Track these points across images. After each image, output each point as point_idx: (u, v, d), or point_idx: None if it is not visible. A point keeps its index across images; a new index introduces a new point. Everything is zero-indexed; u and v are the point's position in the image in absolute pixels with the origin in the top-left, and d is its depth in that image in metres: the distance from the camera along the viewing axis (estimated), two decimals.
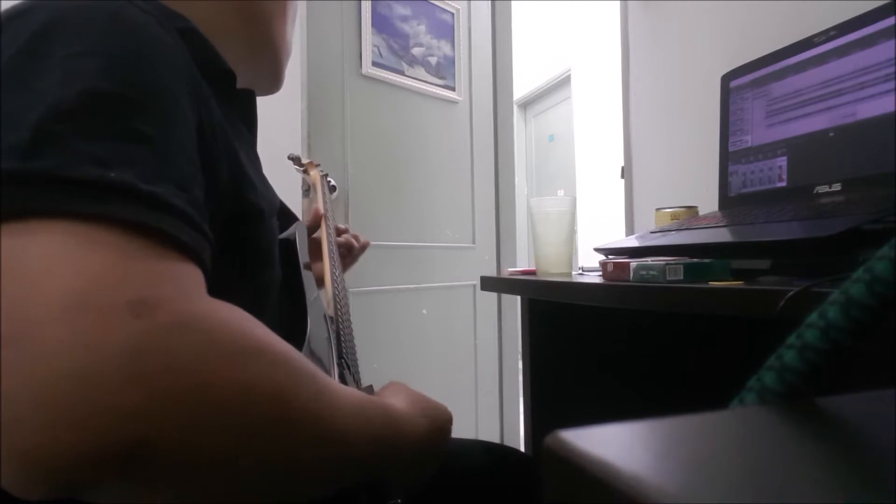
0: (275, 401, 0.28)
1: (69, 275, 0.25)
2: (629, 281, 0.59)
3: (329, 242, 0.76)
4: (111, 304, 0.25)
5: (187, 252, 0.30)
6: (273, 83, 0.62)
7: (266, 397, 0.28)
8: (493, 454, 0.69)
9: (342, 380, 0.55)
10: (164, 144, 0.32)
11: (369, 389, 0.58)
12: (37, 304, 0.24)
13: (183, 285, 0.29)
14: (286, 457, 0.29)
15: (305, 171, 0.97)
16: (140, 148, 0.30)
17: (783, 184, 0.83)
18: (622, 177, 1.48)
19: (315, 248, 0.77)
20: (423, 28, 1.84)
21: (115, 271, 0.26)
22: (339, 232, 0.90)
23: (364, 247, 0.92)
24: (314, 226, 0.79)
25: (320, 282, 0.71)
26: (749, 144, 0.90)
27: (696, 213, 0.94)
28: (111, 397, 0.23)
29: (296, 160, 0.96)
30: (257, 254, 0.45)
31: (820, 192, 0.76)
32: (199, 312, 0.28)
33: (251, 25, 0.55)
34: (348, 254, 0.89)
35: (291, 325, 0.50)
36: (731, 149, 0.93)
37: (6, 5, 0.36)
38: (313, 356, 0.49)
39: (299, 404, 0.30)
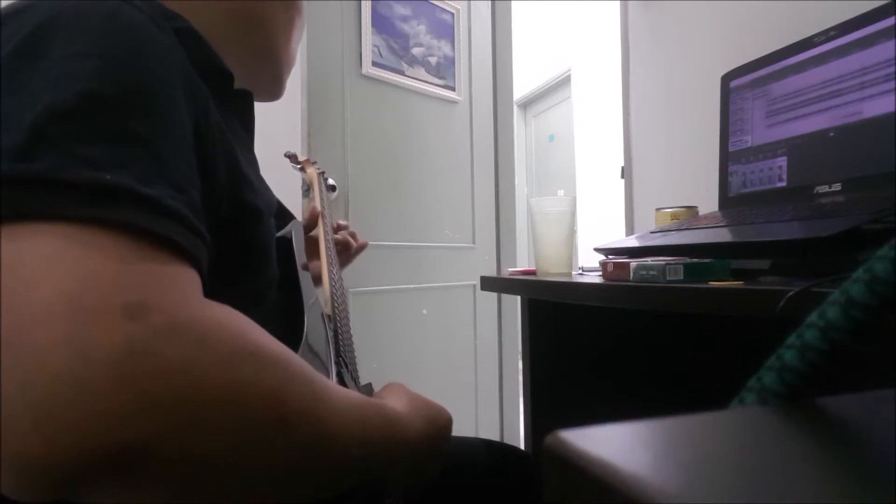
0: (270, 402, 0.28)
1: (63, 277, 0.25)
2: (629, 281, 0.59)
3: (326, 241, 0.76)
4: (105, 307, 0.25)
5: (183, 254, 0.30)
6: (273, 92, 0.62)
7: (261, 399, 0.28)
8: (494, 452, 0.69)
9: (340, 378, 0.55)
10: (160, 146, 0.32)
11: (368, 387, 0.58)
12: (30, 306, 0.24)
13: (178, 288, 0.28)
14: (281, 459, 0.29)
15: (302, 169, 0.97)
16: (136, 150, 0.30)
17: (783, 184, 0.83)
18: (622, 177, 1.48)
19: (312, 246, 0.77)
20: (423, 28, 1.84)
21: (109, 274, 0.26)
22: (339, 228, 0.90)
23: (361, 247, 0.92)
24: (311, 225, 0.79)
25: (318, 280, 0.71)
26: (749, 144, 0.90)
27: (696, 213, 0.94)
28: (102, 400, 0.23)
29: (292, 158, 0.96)
30: (255, 253, 0.45)
31: (820, 192, 0.76)
32: (193, 315, 0.27)
33: (252, 36, 0.55)
34: (344, 251, 0.89)
35: (289, 323, 0.50)
36: (731, 149, 0.93)
37: (6, 5, 0.36)
38: (311, 354, 0.49)
39: (295, 406, 0.30)
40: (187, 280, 0.30)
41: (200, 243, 0.32)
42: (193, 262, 0.31)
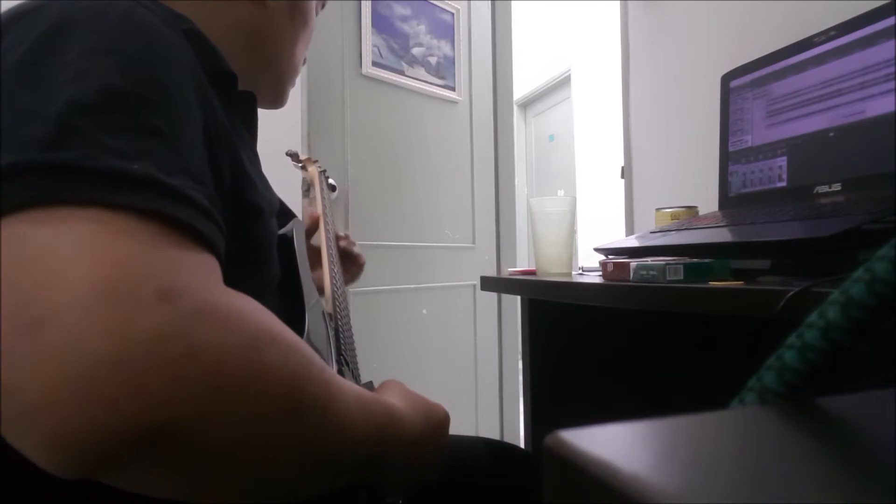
0: (289, 388, 0.29)
1: (97, 261, 0.26)
2: (629, 281, 0.59)
3: (328, 240, 0.76)
4: (139, 291, 0.25)
5: (205, 243, 0.31)
6: (274, 101, 0.62)
7: (281, 384, 0.29)
8: (494, 451, 0.69)
9: (341, 376, 0.55)
10: (177, 141, 0.33)
11: (368, 385, 0.58)
12: (66, 289, 0.25)
13: (203, 274, 0.29)
14: (298, 444, 0.30)
15: (303, 168, 0.97)
16: (157, 142, 0.31)
17: (783, 184, 0.83)
18: (622, 177, 1.48)
19: (314, 255, 0.77)
20: (423, 28, 1.84)
21: (141, 259, 0.27)
22: (338, 239, 0.90)
23: (361, 265, 0.92)
24: (312, 229, 0.79)
25: (321, 289, 0.71)
26: (749, 144, 0.90)
27: (696, 213, 0.94)
28: (138, 381, 0.24)
29: (294, 156, 0.96)
30: (257, 253, 0.45)
31: (820, 192, 0.76)
32: (218, 300, 0.28)
33: (256, 46, 0.55)
34: (348, 260, 0.89)
35: (289, 321, 0.50)
36: (731, 149, 0.93)
37: (6, 6, 0.36)
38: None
39: (311, 392, 0.31)
40: (210, 267, 0.31)
41: (220, 233, 0.33)
42: (214, 251, 0.32)
